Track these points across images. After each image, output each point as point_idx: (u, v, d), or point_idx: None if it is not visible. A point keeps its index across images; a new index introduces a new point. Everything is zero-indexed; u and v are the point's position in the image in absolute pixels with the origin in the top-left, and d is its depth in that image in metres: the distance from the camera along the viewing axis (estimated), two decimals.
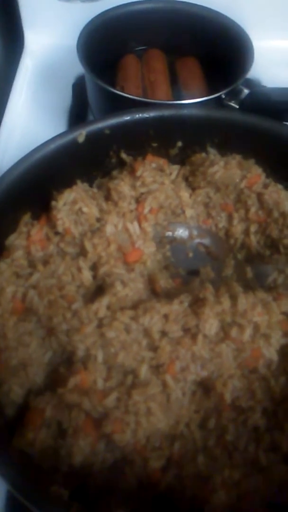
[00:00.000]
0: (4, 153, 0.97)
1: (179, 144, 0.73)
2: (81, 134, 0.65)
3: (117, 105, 0.83)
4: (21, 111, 1.09)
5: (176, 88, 0.99)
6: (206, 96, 0.86)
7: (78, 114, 1.04)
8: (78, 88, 1.04)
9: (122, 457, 0.53)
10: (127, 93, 0.84)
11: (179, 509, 0.50)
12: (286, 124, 0.70)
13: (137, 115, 0.66)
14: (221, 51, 0.96)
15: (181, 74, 1.01)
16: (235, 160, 0.70)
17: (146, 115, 0.67)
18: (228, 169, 0.69)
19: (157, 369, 0.56)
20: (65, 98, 1.10)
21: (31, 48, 1.21)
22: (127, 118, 0.67)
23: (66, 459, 0.51)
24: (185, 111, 0.67)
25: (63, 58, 1.00)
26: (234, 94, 0.86)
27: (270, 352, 0.57)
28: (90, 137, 0.66)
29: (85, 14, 1.04)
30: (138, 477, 0.51)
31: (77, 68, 0.92)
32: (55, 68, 1.13)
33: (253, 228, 0.71)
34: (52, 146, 0.64)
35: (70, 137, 0.65)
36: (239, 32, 0.94)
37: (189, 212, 0.72)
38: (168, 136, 0.71)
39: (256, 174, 0.69)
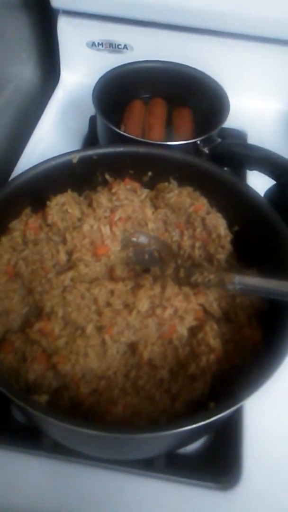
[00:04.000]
0: (28, 160, 1.21)
1: (149, 174, 0.90)
2: (75, 157, 0.86)
3: (115, 138, 1.07)
4: (48, 129, 1.36)
5: (170, 131, 1.22)
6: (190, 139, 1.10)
7: (90, 140, 1.29)
8: (94, 120, 1.28)
9: (63, 385, 0.72)
10: (123, 131, 1.07)
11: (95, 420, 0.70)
12: (226, 171, 0.89)
13: (118, 149, 0.87)
14: (207, 105, 1.19)
15: (175, 120, 1.24)
16: (186, 190, 0.88)
17: (125, 149, 0.88)
18: (180, 197, 0.87)
19: (100, 329, 0.72)
20: (84, 126, 1.35)
21: (64, 83, 1.49)
22: (111, 150, 0.87)
23: (23, 376, 0.70)
24: (154, 151, 0.87)
25: (88, 94, 1.19)
26: (209, 142, 1.07)
27: (182, 329, 0.74)
28: (82, 160, 0.86)
29: (110, 62, 1.29)
30: (71, 398, 0.71)
31: None
32: (80, 101, 1.38)
33: (197, 244, 0.89)
34: (53, 162, 0.84)
35: (67, 157, 0.85)
36: (220, 91, 1.16)
37: (150, 225, 0.90)
38: (141, 167, 0.89)
39: (201, 203, 0.87)
